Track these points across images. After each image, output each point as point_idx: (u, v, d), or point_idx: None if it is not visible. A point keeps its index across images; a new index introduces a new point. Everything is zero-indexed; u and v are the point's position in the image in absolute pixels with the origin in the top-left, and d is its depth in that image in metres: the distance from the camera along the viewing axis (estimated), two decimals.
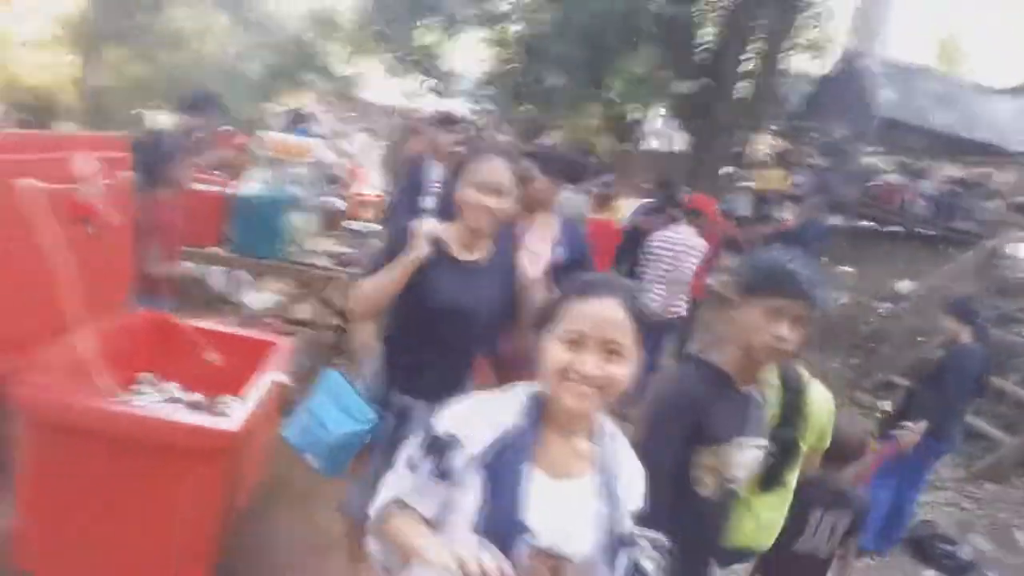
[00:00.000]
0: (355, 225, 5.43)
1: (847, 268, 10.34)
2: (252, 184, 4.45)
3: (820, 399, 2.36)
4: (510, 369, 2.48)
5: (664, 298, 5.27)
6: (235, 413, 2.39)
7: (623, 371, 1.30)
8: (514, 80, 15.98)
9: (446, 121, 4.50)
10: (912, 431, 3.74)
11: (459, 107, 23.62)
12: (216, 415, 2.63)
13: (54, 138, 3.59)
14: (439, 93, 21.34)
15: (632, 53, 15.54)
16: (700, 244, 5.39)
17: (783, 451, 2.20)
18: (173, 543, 2.38)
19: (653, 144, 16.77)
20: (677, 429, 1.77)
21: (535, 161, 3.18)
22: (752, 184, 13.23)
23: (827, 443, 2.41)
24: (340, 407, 2.31)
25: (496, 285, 2.36)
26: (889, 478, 4.16)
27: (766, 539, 2.33)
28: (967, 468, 5.90)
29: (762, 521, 2.28)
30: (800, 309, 1.70)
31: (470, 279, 2.29)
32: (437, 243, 2.24)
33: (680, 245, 5.31)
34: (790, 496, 2.34)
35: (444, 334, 2.33)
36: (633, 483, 1.44)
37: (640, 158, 15.01)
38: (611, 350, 1.29)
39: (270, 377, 2.76)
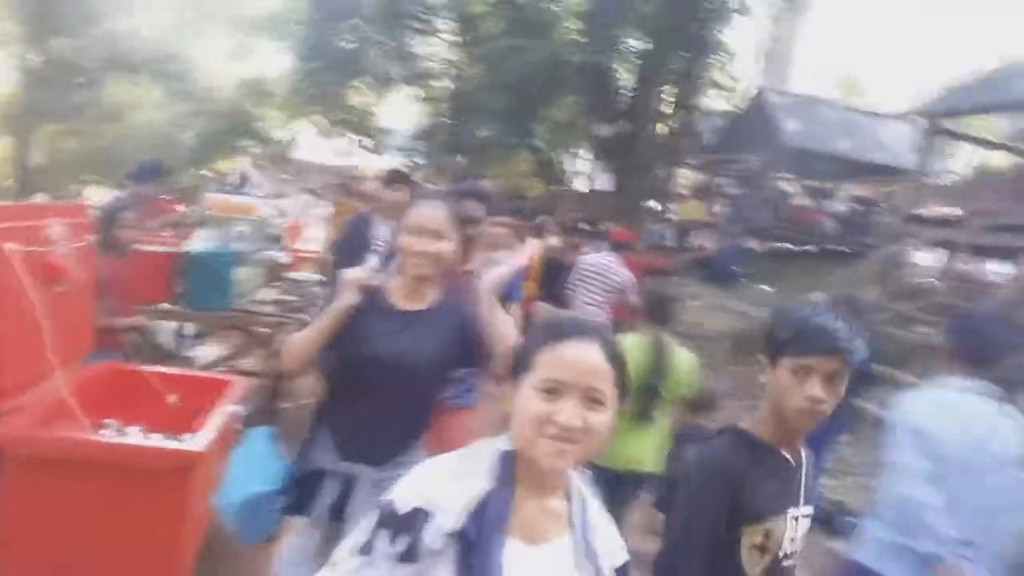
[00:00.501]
0: (296, 275, 5.82)
1: (765, 287, 11.09)
2: (200, 242, 4.82)
3: (684, 360, 3.51)
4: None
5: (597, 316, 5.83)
6: (199, 437, 2.75)
7: (604, 420, 1.20)
8: (446, 133, 16.63)
9: (392, 179, 4.56)
10: None
11: (392, 162, 24.26)
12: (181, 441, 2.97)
13: (28, 207, 3.96)
14: (372, 150, 21.89)
15: (555, 102, 16.42)
16: (624, 272, 5.98)
17: (650, 396, 3.40)
18: (147, 560, 2.69)
19: (579, 184, 17.56)
20: (712, 508, 1.62)
21: (482, 201, 3.08)
22: (674, 216, 14.03)
23: (691, 393, 3.55)
24: (254, 465, 2.18)
25: (441, 332, 2.15)
26: None
27: (646, 462, 3.41)
28: (869, 452, 6.48)
29: (639, 448, 3.39)
30: (833, 365, 1.55)
31: (410, 327, 2.13)
32: (371, 290, 2.14)
33: (607, 271, 5.91)
34: (659, 431, 3.48)
35: (385, 388, 2.11)
36: (610, 538, 1.33)
37: (568, 197, 15.73)
38: (592, 399, 1.19)
39: (227, 409, 3.12)
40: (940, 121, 10.85)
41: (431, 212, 2.21)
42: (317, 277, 5.82)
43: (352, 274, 2.12)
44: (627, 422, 3.27)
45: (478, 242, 3.35)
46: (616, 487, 3.21)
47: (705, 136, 16.53)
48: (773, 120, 14.60)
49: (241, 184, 12.54)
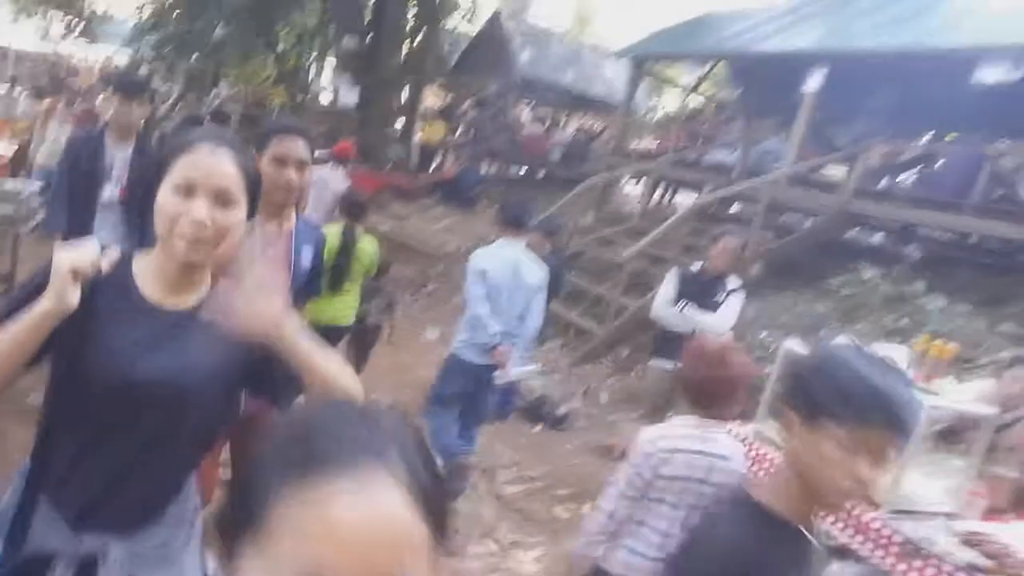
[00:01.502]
0: (10, 185, 5.38)
1: (532, 210, 12.07)
2: None
3: (368, 246, 4.59)
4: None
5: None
6: None
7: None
8: (179, 29, 15.27)
9: (129, 89, 3.62)
10: None
11: (111, 55, 21.67)
12: None
13: None
14: (86, 38, 19.37)
15: (301, 4, 15.82)
16: (343, 185, 6.65)
17: (340, 271, 4.36)
18: None
19: (324, 98, 17.30)
20: None
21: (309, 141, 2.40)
22: (418, 136, 14.51)
23: (374, 271, 4.78)
24: None
25: (216, 343, 1.32)
26: None
27: (343, 319, 4.50)
28: (573, 355, 7.75)
29: (336, 309, 4.39)
30: (894, 441, 1.24)
31: (174, 335, 1.36)
32: (104, 281, 1.34)
33: (329, 183, 6.60)
34: (352, 296, 4.58)
35: (137, 426, 1.35)
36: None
37: (312, 110, 15.48)
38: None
39: None
40: (644, 64, 12.37)
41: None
42: (37, 185, 5.45)
43: (68, 258, 1.24)
44: (325, 291, 4.01)
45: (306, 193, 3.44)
46: (323, 338, 4.14)
47: (450, 58, 17.06)
48: (507, 48, 15.48)
49: None
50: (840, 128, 10.57)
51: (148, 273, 1.39)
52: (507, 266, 4.03)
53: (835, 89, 8.67)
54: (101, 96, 10.13)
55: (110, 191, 3.55)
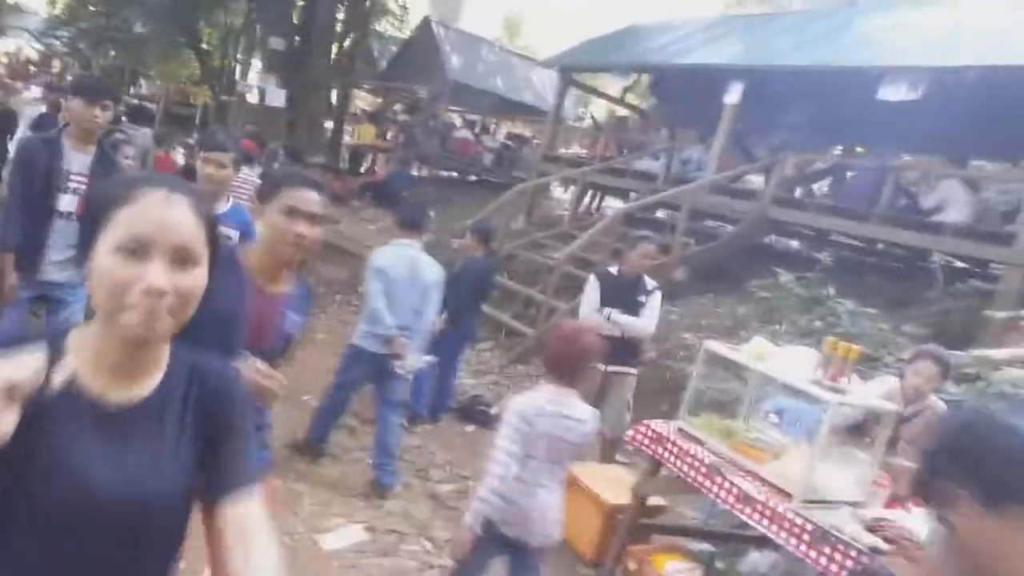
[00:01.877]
0: None
1: (430, 212, 12.12)
2: None
3: None
4: None
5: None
6: None
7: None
8: (95, 24, 14.73)
9: (93, 89, 3.35)
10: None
11: (21, 47, 20.69)
12: None
13: None
14: None
15: (225, 4, 15.48)
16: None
17: None
18: None
19: (251, 97, 16.99)
20: None
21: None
22: (348, 138, 14.41)
23: None
24: None
25: (187, 442, 1.13)
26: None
27: None
28: (505, 356, 7.85)
29: None
30: None
31: (125, 441, 1.08)
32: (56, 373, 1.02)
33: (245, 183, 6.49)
34: None
35: (89, 554, 1.08)
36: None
37: (239, 109, 15.16)
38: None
39: None
40: (572, 73, 12.63)
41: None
42: None
43: (3, 376, 0.90)
44: None
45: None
46: None
47: (381, 62, 16.99)
48: (438, 53, 15.55)
49: None
50: (758, 139, 11.05)
51: (88, 356, 1.06)
52: (404, 264, 4.34)
53: (754, 102, 9.08)
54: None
55: (68, 201, 3.23)
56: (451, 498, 4.50)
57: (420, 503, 4.38)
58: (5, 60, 20.65)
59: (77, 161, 3.25)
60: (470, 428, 6.11)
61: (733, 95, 8.93)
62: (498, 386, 7.23)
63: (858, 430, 3.53)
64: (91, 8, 14.65)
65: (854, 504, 2.95)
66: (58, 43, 16.29)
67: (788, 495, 2.96)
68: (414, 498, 4.42)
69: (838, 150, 11.23)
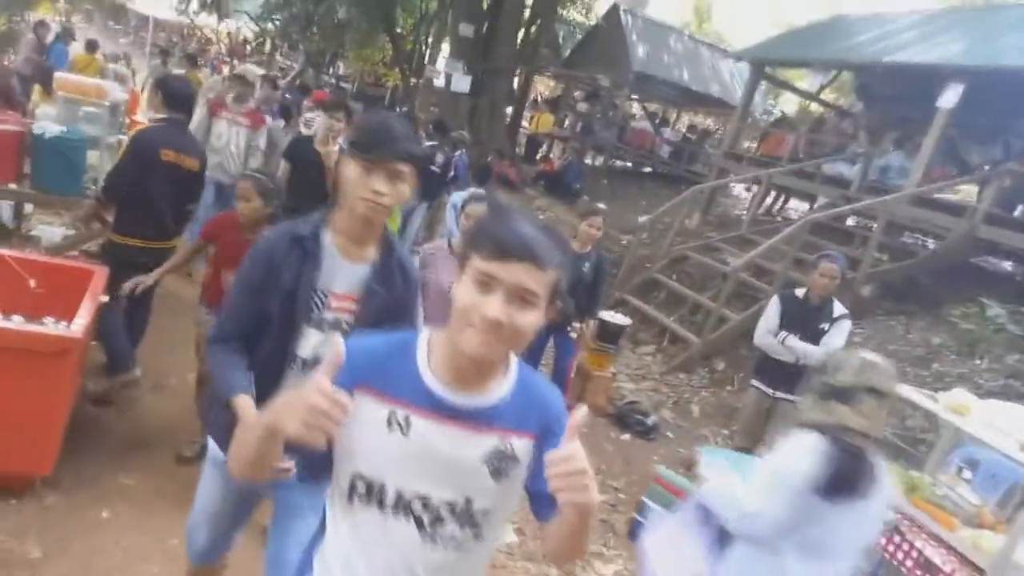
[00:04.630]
0: None
1: (601, 204, 12.02)
2: (48, 123, 4.76)
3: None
4: None
5: None
6: (77, 322, 3.06)
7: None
8: (304, 10, 15.90)
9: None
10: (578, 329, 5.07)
11: (242, 29, 22.75)
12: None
13: None
14: (218, 12, 20.39)
15: None
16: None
17: None
18: (26, 436, 3.02)
19: (438, 82, 17.68)
20: None
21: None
22: (526, 125, 14.57)
23: None
24: None
25: None
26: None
27: None
28: (668, 364, 7.64)
29: None
30: None
31: None
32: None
33: None
34: None
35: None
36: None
37: (426, 93, 15.78)
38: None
39: (94, 298, 3.39)
40: (763, 67, 11.95)
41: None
42: None
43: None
44: None
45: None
46: None
47: (565, 49, 17.00)
48: (624, 41, 15.28)
49: (64, 37, 11.58)
50: (974, 148, 9.91)
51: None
52: None
53: (972, 106, 8.14)
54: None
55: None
56: (601, 509, 4.43)
57: None
58: (227, 40, 22.84)
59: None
60: (624, 436, 6.01)
61: (949, 98, 8.04)
62: (657, 393, 7.06)
63: None
64: None
65: None
66: (271, 26, 17.71)
67: (980, 571, 2.64)
68: None
69: None
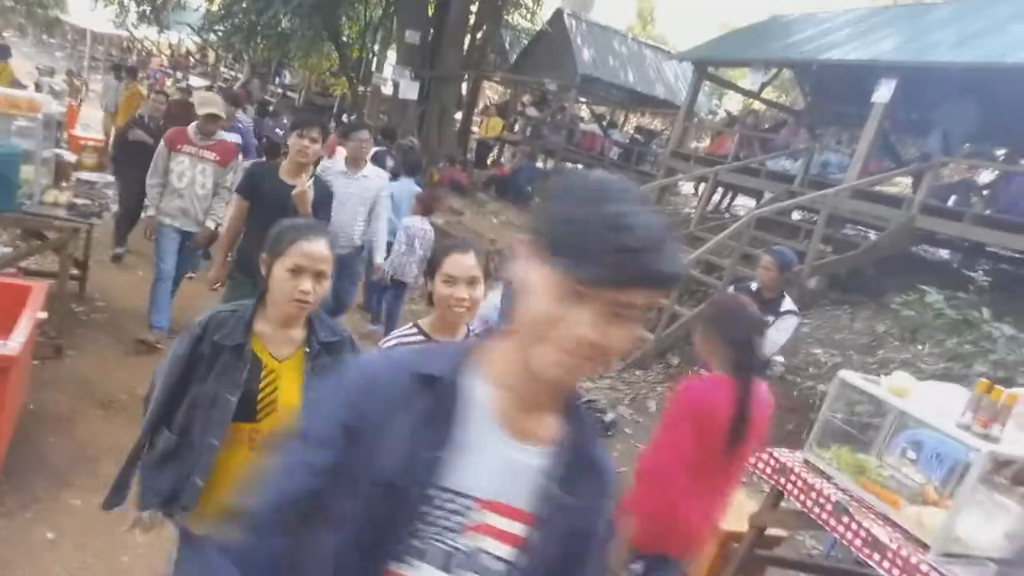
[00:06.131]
0: (86, 176, 5.63)
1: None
2: None
3: None
4: None
5: None
6: (13, 340, 2.96)
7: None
8: (247, 20, 15.65)
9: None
10: None
11: (184, 40, 22.34)
12: None
13: None
14: (158, 24, 20.00)
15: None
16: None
17: None
18: None
19: (385, 89, 17.60)
20: None
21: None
22: (476, 131, 14.60)
23: None
24: None
25: None
26: None
27: None
28: (623, 361, 7.72)
29: None
30: None
31: None
32: None
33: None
34: None
35: None
36: None
37: (374, 101, 15.69)
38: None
39: (33, 315, 3.30)
40: (706, 67, 12.18)
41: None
42: (108, 178, 5.68)
43: None
44: None
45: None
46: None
47: (512, 54, 17.08)
48: (569, 45, 15.41)
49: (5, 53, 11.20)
50: (909, 141, 10.26)
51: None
52: None
53: (906, 101, 8.43)
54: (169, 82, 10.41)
55: None
56: None
57: None
58: (168, 52, 22.39)
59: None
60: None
61: (883, 93, 8.32)
62: (614, 390, 7.13)
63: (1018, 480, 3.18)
64: (244, 5, 15.52)
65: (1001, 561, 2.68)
66: (214, 37, 17.41)
67: (924, 546, 2.73)
68: None
69: (1000, 155, 10.24)
